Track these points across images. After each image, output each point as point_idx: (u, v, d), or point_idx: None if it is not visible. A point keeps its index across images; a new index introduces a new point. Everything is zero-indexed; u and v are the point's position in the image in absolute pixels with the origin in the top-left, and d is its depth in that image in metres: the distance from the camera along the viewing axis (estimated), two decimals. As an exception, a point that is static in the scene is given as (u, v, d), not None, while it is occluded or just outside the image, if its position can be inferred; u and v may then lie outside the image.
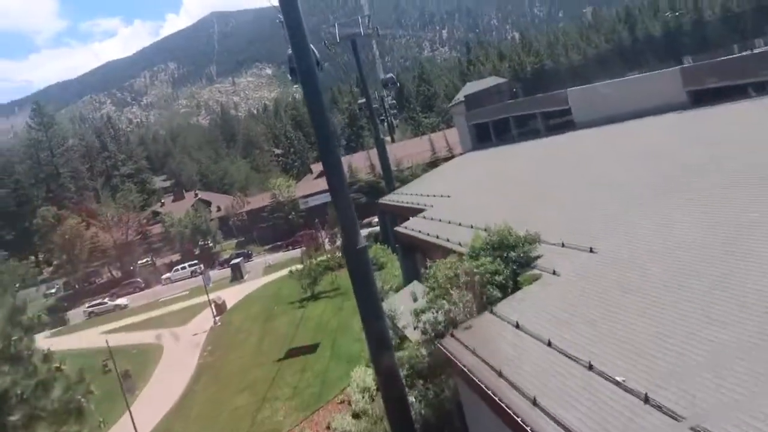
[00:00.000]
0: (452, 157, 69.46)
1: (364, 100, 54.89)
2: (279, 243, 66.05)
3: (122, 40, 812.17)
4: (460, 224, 24.28)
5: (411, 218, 33.21)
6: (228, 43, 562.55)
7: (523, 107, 39.06)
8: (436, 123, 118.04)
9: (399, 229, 30.85)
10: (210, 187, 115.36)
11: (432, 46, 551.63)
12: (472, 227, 22.97)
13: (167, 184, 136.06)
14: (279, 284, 45.86)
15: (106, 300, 54.56)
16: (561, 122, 35.06)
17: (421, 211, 33.59)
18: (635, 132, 25.32)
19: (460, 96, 51.48)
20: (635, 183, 18.22)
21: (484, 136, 47.27)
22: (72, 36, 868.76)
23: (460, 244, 21.53)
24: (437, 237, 23.87)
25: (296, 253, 57.31)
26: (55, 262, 63.27)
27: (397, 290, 31.37)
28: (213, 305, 40.72)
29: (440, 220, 27.08)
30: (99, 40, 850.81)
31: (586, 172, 22.65)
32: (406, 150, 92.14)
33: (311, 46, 13.42)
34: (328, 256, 47.83)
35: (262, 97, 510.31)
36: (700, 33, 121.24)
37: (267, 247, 66.48)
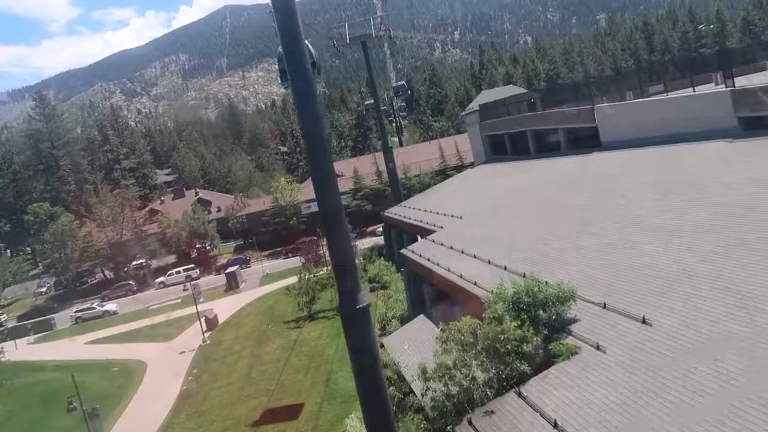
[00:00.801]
0: (462, 166, 66.74)
1: (372, 101, 52.31)
2: (279, 249, 63.49)
3: (134, 30, 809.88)
4: (474, 256, 21.62)
5: (420, 239, 30.56)
6: (239, 37, 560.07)
7: (544, 121, 36.32)
8: (445, 128, 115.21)
9: (406, 253, 28.20)
10: (213, 184, 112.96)
11: (443, 47, 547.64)
12: (489, 263, 20.35)
13: (170, 178, 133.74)
14: (275, 297, 43.34)
15: (94, 305, 52.07)
16: (585, 140, 32.35)
17: (430, 232, 30.96)
18: (676, 160, 22.57)
19: (474, 105, 48.83)
20: (686, 227, 15.52)
21: (499, 148, 44.59)
22: (85, 24, 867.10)
23: (476, 284, 18.92)
24: (449, 270, 21.19)
25: (296, 261, 54.74)
26: (46, 261, 60.82)
27: (401, 319, 28.73)
28: (203, 320, 38.22)
29: (452, 248, 24.42)
30: (111, 29, 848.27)
31: (621, 205, 19.92)
32: (414, 155, 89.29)
33: (307, 43, 10.26)
34: (329, 269, 45.20)
35: (271, 92, 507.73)
36: (722, 46, 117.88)
37: (266, 252, 63.89)
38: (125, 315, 49.26)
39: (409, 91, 73.88)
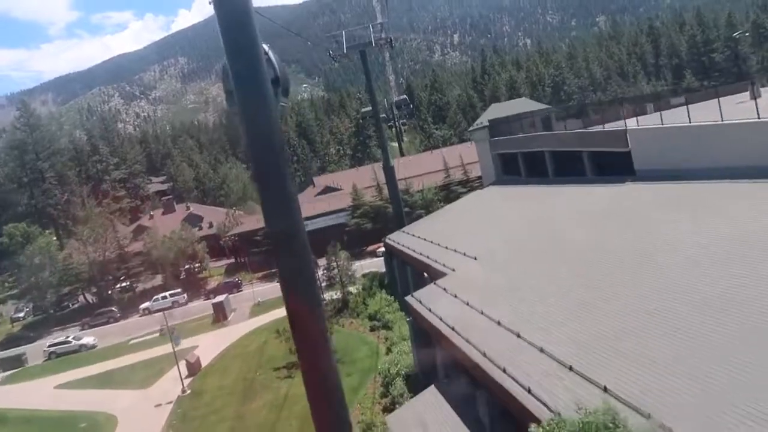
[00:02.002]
0: (468, 181, 62.80)
1: (369, 108, 48.37)
2: (273, 270, 59.41)
3: (133, 34, 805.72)
4: (499, 323, 17.70)
5: (427, 283, 26.59)
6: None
7: (565, 142, 32.40)
8: (448, 136, 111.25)
9: (413, 303, 24.26)
10: (207, 194, 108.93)
11: (443, 50, 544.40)
12: (519, 337, 16.41)
13: (165, 186, 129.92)
14: (266, 333, 39.37)
15: (70, 338, 47.82)
16: (615, 166, 28.44)
17: (439, 273, 27.01)
18: (735, 202, 18.66)
19: (483, 119, 44.93)
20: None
21: (512, 167, 40.69)
22: (84, 27, 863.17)
23: (504, 371, 14.98)
24: (468, 342, 17.22)
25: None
26: (22, 286, 56.69)
27: (407, 379, 24.74)
28: (184, 363, 34.23)
29: (468, 304, 20.50)
30: (110, 32, 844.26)
31: (683, 266, 15.91)
32: (416, 166, 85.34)
33: (269, 53, 5.82)
34: (326, 300, 41.30)
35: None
36: (734, 52, 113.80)
37: (259, 274, 59.91)
38: (103, 351, 45.20)
39: (411, 105, 70.04)
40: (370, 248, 61.74)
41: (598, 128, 29.53)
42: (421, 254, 31.17)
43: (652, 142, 25.38)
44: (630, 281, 16.63)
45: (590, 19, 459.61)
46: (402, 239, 37.31)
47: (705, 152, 22.64)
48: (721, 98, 24.73)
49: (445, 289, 23.49)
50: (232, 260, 67.03)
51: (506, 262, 23.89)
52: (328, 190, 77.95)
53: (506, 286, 21.19)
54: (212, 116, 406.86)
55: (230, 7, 5.64)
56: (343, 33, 42.03)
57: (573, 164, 32.05)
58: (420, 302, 23.54)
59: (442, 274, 26.32)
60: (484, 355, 16.11)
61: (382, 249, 58.66)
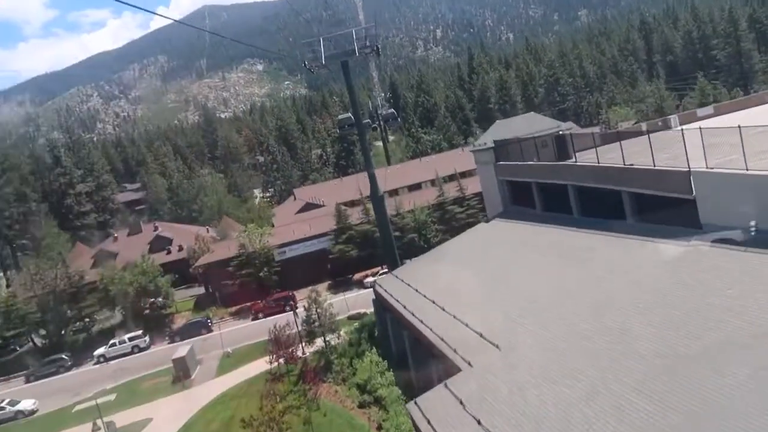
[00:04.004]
0: (464, 198, 56.39)
1: (348, 115, 41.92)
2: (247, 304, 52.98)
3: (111, 32, 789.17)
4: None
5: (439, 389, 20.15)
6: (219, 38, 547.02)
7: (599, 177, 26.11)
8: (437, 141, 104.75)
9: (418, 420, 17.92)
10: (180, 207, 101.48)
11: (426, 45, 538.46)
12: None
13: (139, 195, 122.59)
14: (235, 402, 33.01)
15: (4, 404, 40.74)
16: (668, 213, 22.31)
17: (449, 364, 20.73)
18: None
19: (486, 139, 38.65)
20: None
21: (524, 198, 34.43)
22: (61, 26, 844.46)
23: None
24: None
25: (266, 324, 44.15)
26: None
27: None
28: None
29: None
30: (88, 31, 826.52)
31: None
32: (404, 176, 79.30)
33: None
34: (311, 354, 35.03)
35: (252, 93, 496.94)
36: (736, 50, 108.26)
37: (231, 309, 53.32)
38: (42, 419, 38.49)
39: (398, 119, 64.17)
40: (358, 276, 55.36)
41: (644, 165, 23.21)
42: (422, 323, 24.86)
43: (731, 190, 19.21)
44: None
45: (572, 13, 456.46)
46: (396, 291, 30.91)
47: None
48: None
49: (461, 402, 17.21)
50: (203, 291, 60.17)
51: (543, 355, 17.63)
52: (309, 206, 71.26)
53: (553, 410, 14.94)
54: (193, 115, 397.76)
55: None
56: (321, 40, 35.47)
57: (608, 204, 25.87)
58: (429, 423, 17.22)
59: (454, 367, 20.08)
60: None
61: (371, 279, 52.38)
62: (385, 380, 28.82)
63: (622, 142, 27.25)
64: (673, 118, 42.36)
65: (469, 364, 19.33)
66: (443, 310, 24.77)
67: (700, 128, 20.29)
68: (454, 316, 23.50)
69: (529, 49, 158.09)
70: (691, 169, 20.38)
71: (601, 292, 19.62)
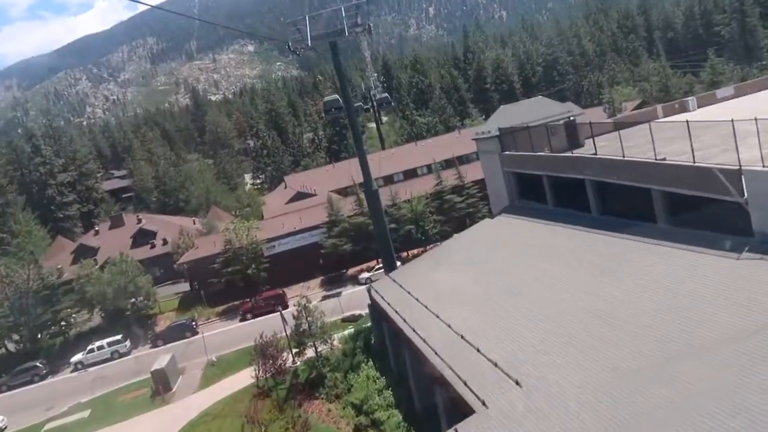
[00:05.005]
0: (464, 187, 53.09)
1: (334, 97, 38.38)
2: (235, 303, 49.94)
3: (99, 14, 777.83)
4: None
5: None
6: (209, 18, 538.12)
7: (625, 173, 22.87)
8: (432, 123, 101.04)
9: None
10: (167, 195, 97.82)
11: (418, 23, 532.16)
12: None
13: (126, 183, 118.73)
14: (219, 420, 30.10)
15: (-30, 421, 37.88)
16: (709, 217, 19.21)
17: (463, 404, 17.68)
18: None
19: (490, 127, 35.27)
20: None
21: (532, 191, 31.25)
22: (47, 8, 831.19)
23: None
24: None
25: (255, 325, 41.43)
26: None
27: None
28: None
29: None
30: (75, 13, 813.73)
31: None
32: (398, 161, 75.95)
33: None
34: (302, 364, 31.99)
35: (243, 74, 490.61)
36: (741, 26, 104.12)
37: (218, 309, 50.28)
38: (12, 434, 35.62)
39: (392, 103, 61.11)
40: (352, 272, 52.29)
41: (680, 161, 19.99)
42: (425, 342, 21.77)
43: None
44: None
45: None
46: (394, 299, 27.81)
47: None
48: None
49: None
50: (188, 288, 56.87)
51: (581, 407, 14.47)
52: (300, 195, 67.83)
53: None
54: (184, 98, 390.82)
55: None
56: (307, 19, 31.87)
57: (634, 203, 22.73)
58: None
59: (465, 405, 17.03)
60: None
61: (366, 275, 49.32)
62: (384, 401, 25.80)
63: (635, 128, 24.12)
64: (691, 101, 38.98)
65: (484, 404, 16.26)
66: (449, 327, 21.74)
67: (755, 119, 17.05)
68: (462, 337, 20.45)
69: (525, 27, 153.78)
70: (743, 167, 17.16)
71: (644, 316, 16.47)
